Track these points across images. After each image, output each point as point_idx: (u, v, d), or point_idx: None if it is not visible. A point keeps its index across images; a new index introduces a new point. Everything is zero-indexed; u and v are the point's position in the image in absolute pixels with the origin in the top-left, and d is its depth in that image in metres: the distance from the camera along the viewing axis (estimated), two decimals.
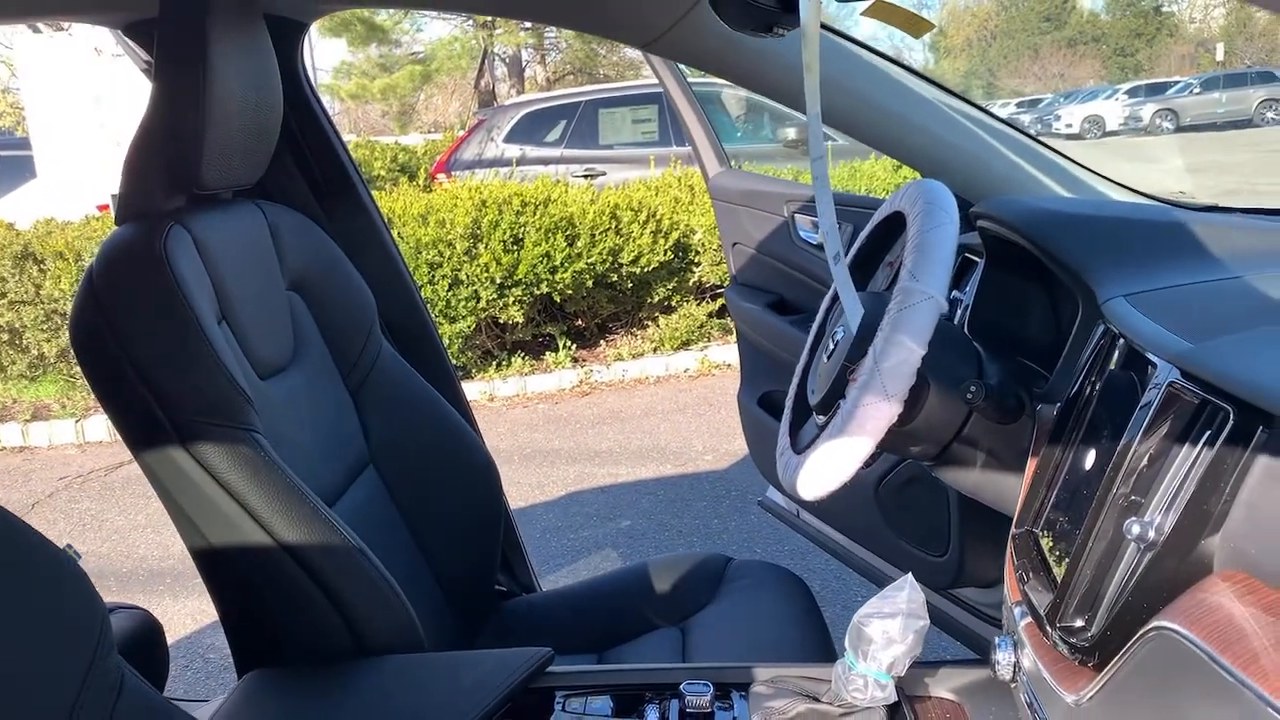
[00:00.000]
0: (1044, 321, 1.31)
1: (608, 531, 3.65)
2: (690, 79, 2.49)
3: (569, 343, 5.92)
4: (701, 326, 6.04)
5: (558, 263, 5.44)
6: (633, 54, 24.73)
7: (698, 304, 6.09)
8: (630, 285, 5.88)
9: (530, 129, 8.60)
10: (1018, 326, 1.32)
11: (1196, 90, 22.50)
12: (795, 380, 1.42)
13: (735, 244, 2.54)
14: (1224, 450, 0.70)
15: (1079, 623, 0.82)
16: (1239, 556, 0.69)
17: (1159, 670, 0.70)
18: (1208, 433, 0.72)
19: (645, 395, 5.53)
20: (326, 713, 1.09)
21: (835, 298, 1.40)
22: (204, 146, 1.14)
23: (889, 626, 0.99)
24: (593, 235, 5.59)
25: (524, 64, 22.20)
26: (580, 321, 6.04)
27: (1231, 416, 0.70)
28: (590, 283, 5.67)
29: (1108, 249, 1.04)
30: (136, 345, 1.08)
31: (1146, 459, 0.78)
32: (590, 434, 4.95)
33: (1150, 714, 0.71)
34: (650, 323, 6.12)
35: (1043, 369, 1.25)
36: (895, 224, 1.31)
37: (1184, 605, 0.70)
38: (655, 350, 5.97)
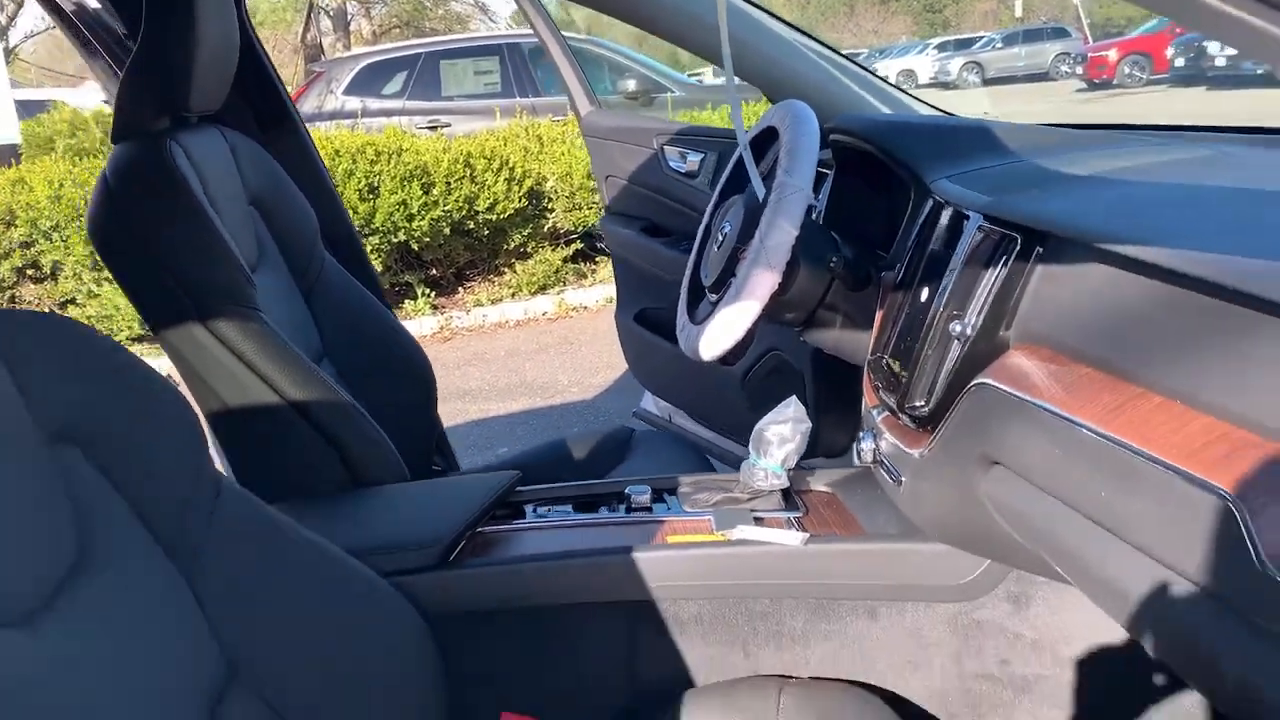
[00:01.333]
0: (882, 217, 1.65)
1: (488, 458, 3.90)
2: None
3: (428, 290, 6.08)
4: (558, 271, 6.30)
5: (414, 211, 5.59)
6: (460, 8, 24.40)
7: (553, 249, 6.35)
8: (487, 233, 6.08)
9: (370, 81, 8.59)
10: (863, 222, 1.65)
11: (999, 45, 23.92)
12: (688, 272, 1.72)
13: (608, 176, 2.82)
14: (1015, 265, 1.04)
15: (920, 402, 1.15)
16: (1026, 334, 1.04)
17: (976, 414, 1.04)
18: (1004, 256, 1.06)
19: (506, 338, 5.76)
20: (338, 522, 1.32)
21: (718, 204, 1.70)
22: (194, 73, 1.35)
23: (782, 430, 1.31)
24: (448, 184, 5.75)
25: (349, 17, 21.65)
26: (437, 270, 6.20)
27: (1019, 241, 1.04)
28: (448, 230, 5.84)
29: (935, 146, 1.38)
30: (158, 241, 1.28)
31: (963, 283, 1.12)
32: (457, 375, 5.15)
33: (972, 444, 1.05)
34: (507, 269, 6.34)
35: (884, 253, 1.59)
36: (768, 137, 1.62)
37: (991, 369, 1.04)
38: (513, 296, 6.20)
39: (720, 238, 1.59)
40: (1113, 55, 18.63)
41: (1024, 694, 1.23)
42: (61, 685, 0.72)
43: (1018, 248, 1.05)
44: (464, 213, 5.85)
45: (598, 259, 6.48)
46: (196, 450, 1.01)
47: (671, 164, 2.55)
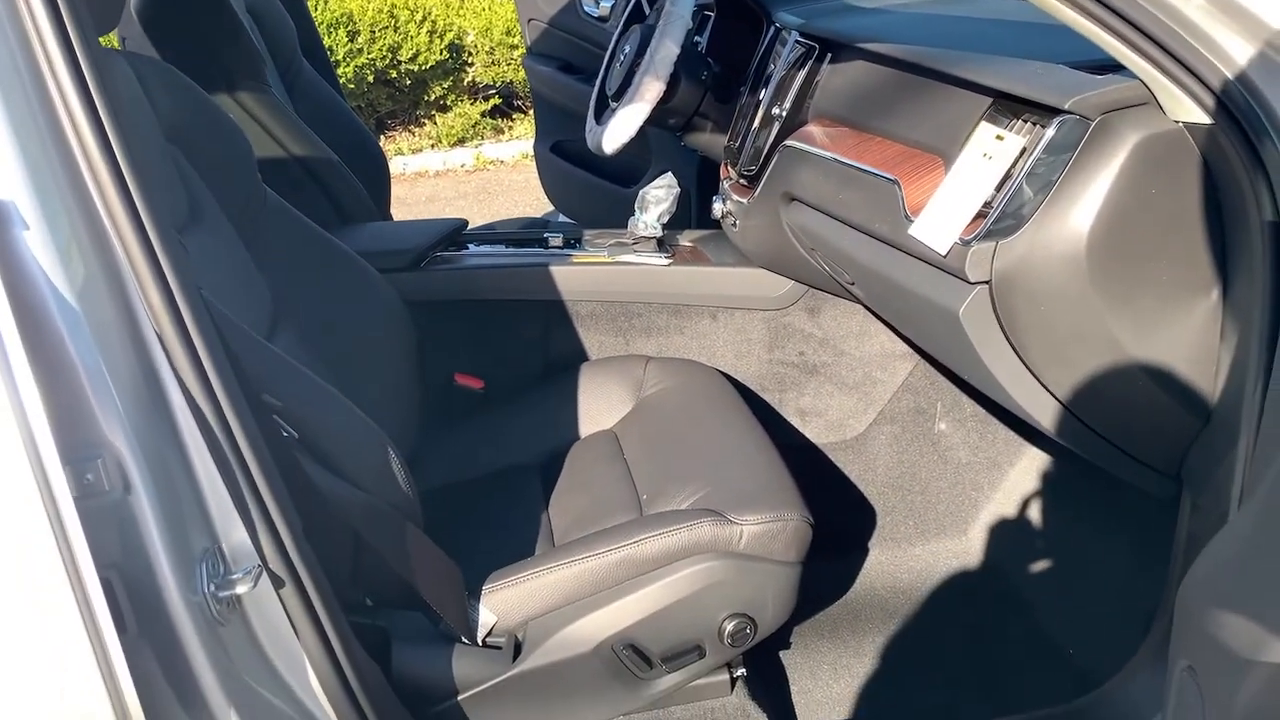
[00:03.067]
0: (747, 52, 2.14)
1: None
2: None
3: None
4: (476, 125, 6.64)
5: (340, 57, 5.86)
6: None
7: (472, 103, 6.67)
8: (409, 83, 6.37)
9: None
10: (737, 52, 2.15)
11: None
12: (596, 87, 2.19)
13: (530, 20, 3.24)
14: (813, 66, 1.56)
15: (751, 166, 1.67)
16: (818, 112, 1.56)
17: (782, 166, 1.57)
18: (808, 62, 1.57)
19: (426, 186, 6.13)
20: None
21: (622, 33, 2.17)
22: None
23: (658, 193, 1.83)
24: (372, 32, 6.02)
25: None
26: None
27: (817, 50, 1.56)
28: (371, 78, 6.13)
29: None
30: None
31: (782, 84, 1.63)
32: None
33: (779, 187, 1.57)
34: (428, 120, 6.66)
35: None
36: None
37: (793, 135, 1.56)
38: (433, 147, 6.53)
39: (621, 57, 2.06)
40: None
41: (812, 375, 1.80)
42: (205, 274, 1.19)
43: (816, 53, 1.56)
44: (387, 62, 6.13)
45: (515, 116, 6.83)
46: (251, 170, 1.47)
47: (586, 8, 2.98)
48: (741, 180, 1.72)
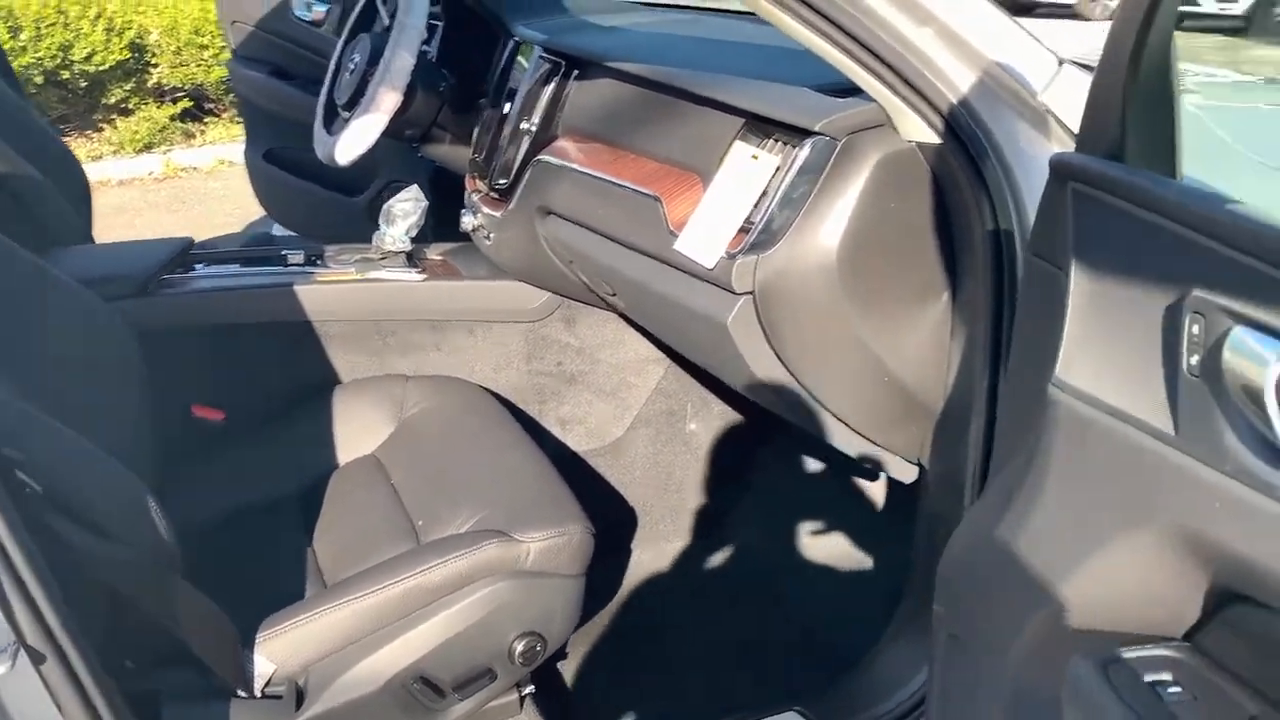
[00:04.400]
0: (482, 63, 2.13)
1: None
2: None
3: None
4: (164, 130, 6.16)
5: None
6: None
7: (159, 106, 6.19)
8: (83, 85, 5.81)
9: None
10: (469, 62, 2.13)
11: None
12: (323, 96, 2.10)
13: (234, 22, 3.05)
14: (561, 81, 1.58)
15: (502, 180, 1.67)
16: (568, 128, 1.58)
17: (536, 180, 1.57)
18: (555, 78, 1.59)
19: (111, 196, 5.61)
20: None
21: (348, 41, 2.09)
22: None
23: (405, 206, 1.78)
24: (38, 28, 5.44)
25: None
26: None
27: (563, 66, 1.57)
28: (40, 79, 5.54)
29: (520, 5, 1.89)
30: None
31: (530, 96, 1.64)
32: None
33: (534, 201, 1.58)
34: (107, 125, 6.10)
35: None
36: None
37: (546, 150, 1.57)
38: (115, 153, 6.00)
39: (351, 66, 1.99)
40: None
41: (571, 384, 1.83)
42: None
43: (562, 69, 1.58)
44: (58, 61, 5.56)
45: (207, 120, 6.40)
46: None
47: (297, 12, 2.85)
48: (493, 194, 1.72)
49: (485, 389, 1.72)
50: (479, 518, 1.32)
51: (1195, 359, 0.64)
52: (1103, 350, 0.75)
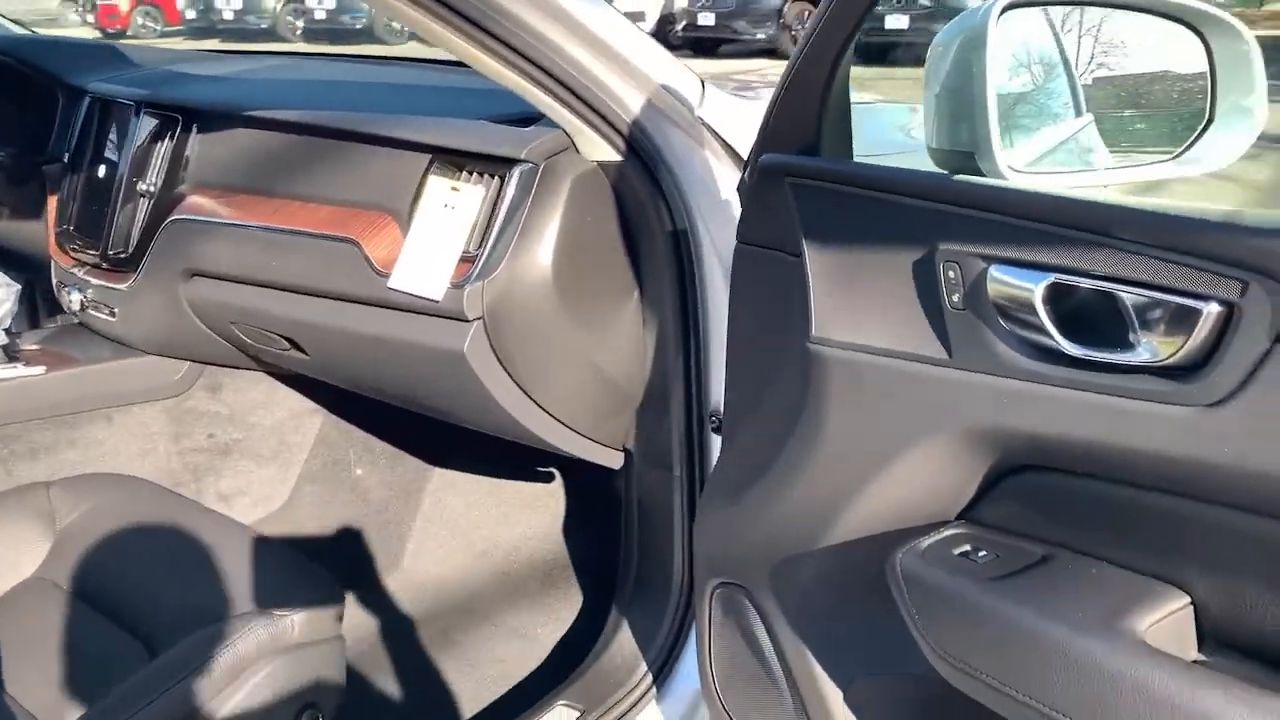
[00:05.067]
0: (32, 123, 1.89)
1: None
2: None
3: None
4: None
5: None
6: None
7: None
8: None
9: None
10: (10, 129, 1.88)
11: None
12: None
13: None
14: (181, 136, 1.48)
15: (120, 249, 1.53)
16: (200, 182, 1.49)
17: (173, 243, 1.47)
18: (173, 134, 1.49)
19: None
20: None
21: None
22: None
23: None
24: None
25: None
26: None
27: (180, 119, 1.48)
28: None
29: (76, 59, 1.72)
30: None
31: (139, 155, 1.52)
32: None
33: (173, 265, 1.47)
34: None
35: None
36: None
37: (178, 209, 1.47)
38: None
39: None
40: (124, 5, 18.32)
41: (227, 455, 1.72)
42: None
43: (180, 123, 1.49)
44: None
45: None
46: None
47: None
48: (105, 265, 1.56)
49: (140, 479, 1.56)
50: (226, 602, 1.23)
51: (956, 296, 0.84)
52: (857, 306, 0.94)
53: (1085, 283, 0.75)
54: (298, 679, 1.20)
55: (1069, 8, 1.02)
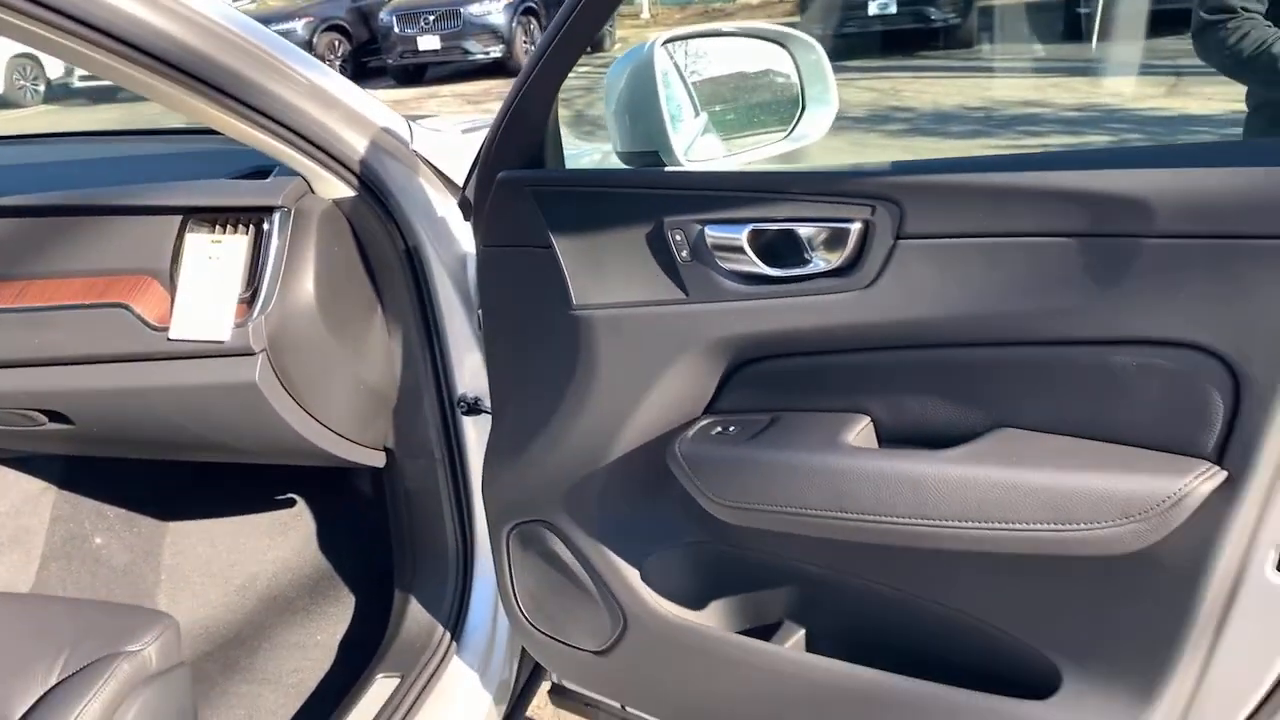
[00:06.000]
0: None
1: None
2: None
3: None
4: None
5: None
6: None
7: None
8: None
9: None
10: None
11: None
12: None
13: None
14: None
15: None
16: None
17: None
18: None
19: None
20: None
21: None
22: None
23: None
24: None
25: None
26: None
27: None
28: None
29: None
30: None
31: None
32: None
33: None
34: None
35: None
36: None
37: None
38: None
39: None
40: None
41: None
42: None
43: None
44: None
45: None
46: None
47: None
48: None
49: None
50: (63, 658, 1.29)
51: (685, 253, 1.17)
52: (605, 275, 1.25)
53: (772, 226, 1.12)
54: (167, 704, 1.31)
55: (702, 39, 1.40)
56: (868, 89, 9.72)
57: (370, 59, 13.46)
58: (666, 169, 1.24)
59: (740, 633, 1.36)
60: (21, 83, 14.25)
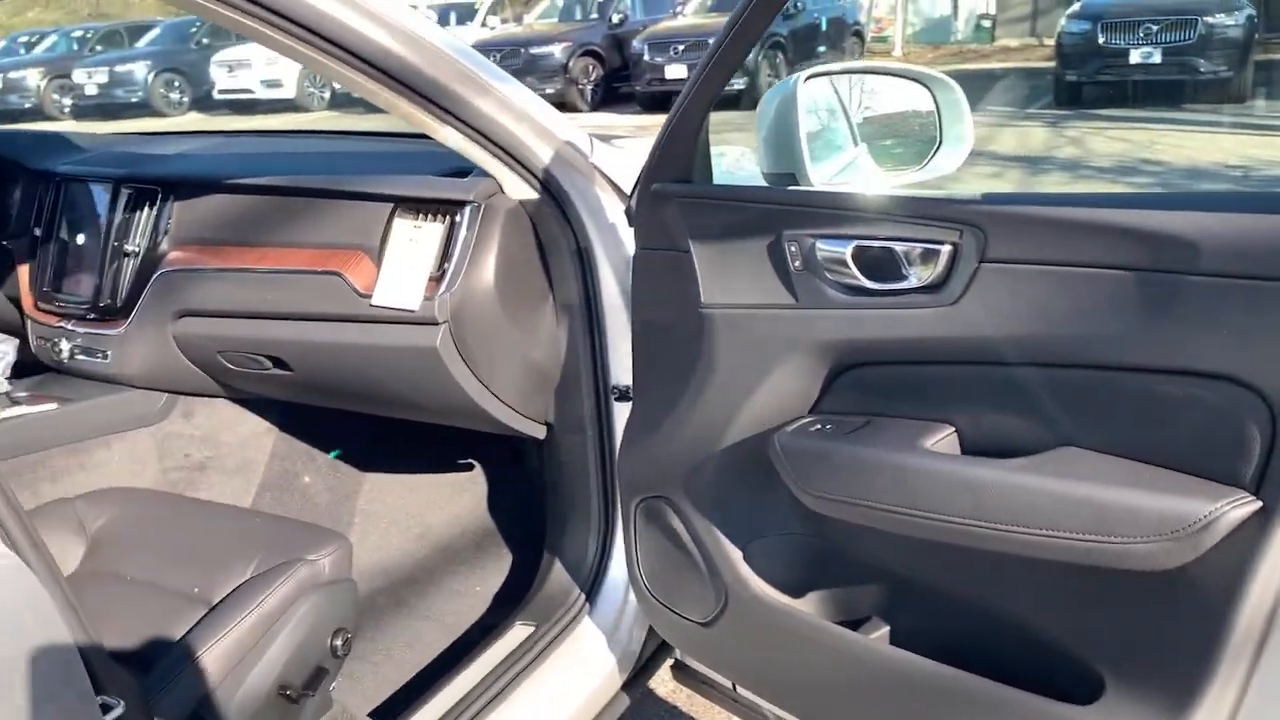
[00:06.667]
0: None
1: None
2: None
3: None
4: None
5: None
6: None
7: None
8: None
9: None
10: None
11: None
12: None
13: None
14: (162, 205, 1.81)
15: (108, 300, 1.83)
16: (178, 241, 1.82)
17: (165, 290, 1.79)
18: (150, 201, 1.82)
19: None
20: None
21: None
22: None
23: (2, 349, 1.83)
24: None
25: None
26: None
27: (160, 192, 1.82)
28: None
29: (37, 148, 2.00)
30: None
31: (125, 220, 1.83)
32: None
33: (165, 308, 1.79)
34: None
35: None
36: None
37: (165, 263, 1.80)
38: None
39: None
40: None
41: (202, 471, 2.03)
42: None
43: (159, 194, 1.83)
44: None
45: None
46: None
47: None
48: (92, 316, 1.87)
49: (147, 489, 1.86)
50: (258, 559, 1.57)
51: (798, 263, 1.31)
52: (730, 280, 1.40)
53: (874, 243, 1.25)
54: (332, 609, 1.56)
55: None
56: (1119, 139, 9.32)
57: (621, 84, 14.07)
58: (787, 188, 1.38)
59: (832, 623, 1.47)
60: (310, 89, 15.90)
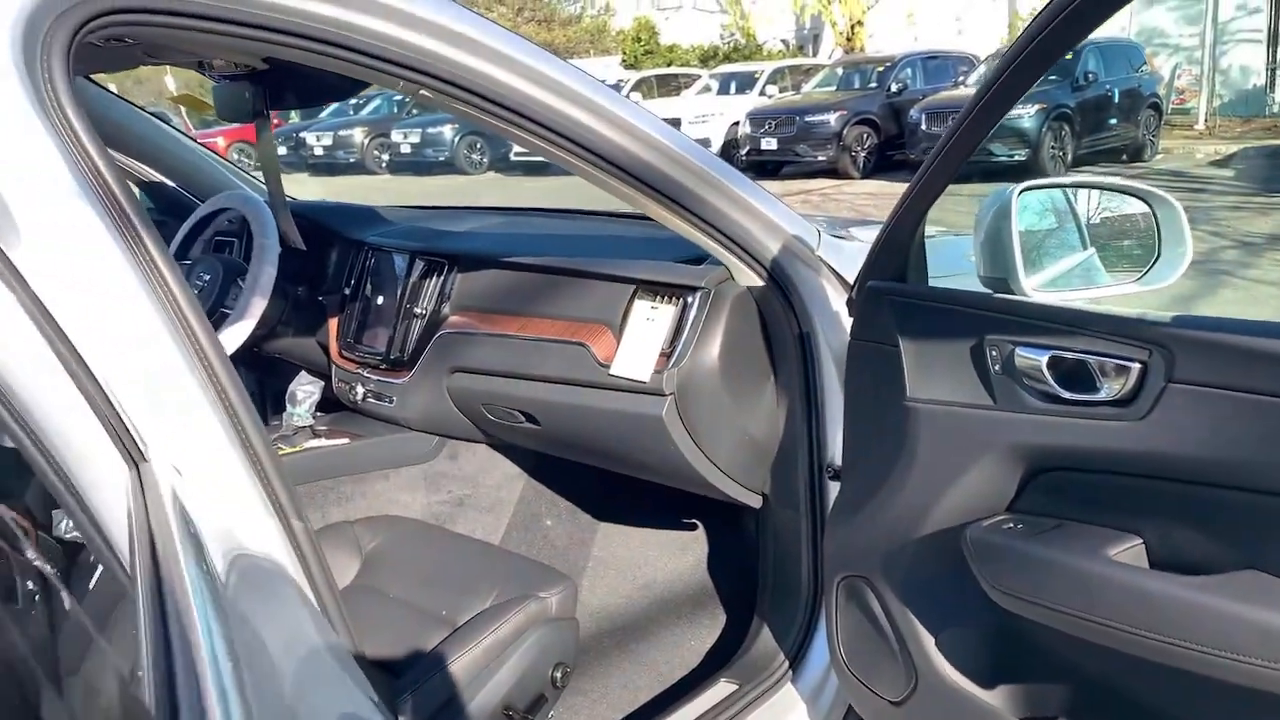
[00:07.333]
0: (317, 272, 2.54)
1: None
2: None
3: None
4: None
5: None
6: None
7: None
8: None
9: None
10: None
11: None
12: None
13: None
14: (448, 275, 2.11)
15: (398, 353, 2.14)
16: (458, 306, 2.11)
17: (443, 348, 2.08)
18: (437, 271, 2.12)
19: None
20: None
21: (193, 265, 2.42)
22: None
23: (309, 389, 2.18)
24: None
25: None
26: None
27: (446, 264, 2.11)
28: None
29: (353, 219, 2.37)
30: None
31: (415, 287, 2.15)
32: None
33: (443, 364, 2.08)
34: None
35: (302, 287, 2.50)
36: (222, 213, 2.42)
37: (446, 325, 2.09)
38: None
39: (201, 284, 2.35)
40: (221, 142, 19.04)
41: (461, 506, 2.30)
42: None
43: (446, 266, 2.12)
44: None
45: None
46: None
47: None
48: (383, 366, 2.19)
49: (414, 519, 2.15)
50: (497, 591, 1.79)
51: (998, 367, 1.38)
52: (933, 376, 1.49)
53: (1069, 354, 1.30)
54: (555, 643, 1.75)
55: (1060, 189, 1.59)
56: None
57: (895, 153, 14.04)
58: (991, 295, 1.45)
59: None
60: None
